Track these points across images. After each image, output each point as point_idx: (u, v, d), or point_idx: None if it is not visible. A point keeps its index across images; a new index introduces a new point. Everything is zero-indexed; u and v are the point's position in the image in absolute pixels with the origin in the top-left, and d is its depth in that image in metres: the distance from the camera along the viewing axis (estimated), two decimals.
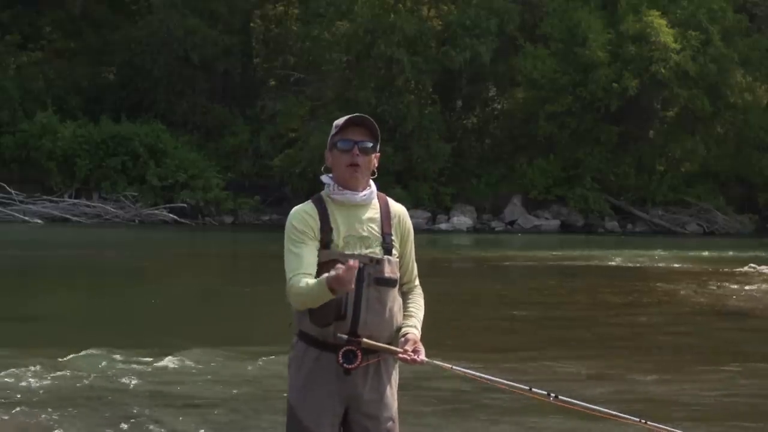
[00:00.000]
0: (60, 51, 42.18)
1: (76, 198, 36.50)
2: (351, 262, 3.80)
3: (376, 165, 4.20)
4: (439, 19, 41.22)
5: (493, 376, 4.53)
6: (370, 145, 4.13)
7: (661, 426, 4.62)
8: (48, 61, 41.05)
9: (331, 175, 4.19)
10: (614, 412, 4.67)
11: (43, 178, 36.46)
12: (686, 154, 41.35)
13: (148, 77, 39.65)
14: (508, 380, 4.50)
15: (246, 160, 38.79)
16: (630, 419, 4.60)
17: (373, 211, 4.17)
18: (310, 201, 4.15)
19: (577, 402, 4.55)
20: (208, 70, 41.00)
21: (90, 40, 42.23)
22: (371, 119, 4.16)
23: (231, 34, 41.16)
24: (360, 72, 39.91)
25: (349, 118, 4.15)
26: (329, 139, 4.18)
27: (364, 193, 4.15)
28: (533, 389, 4.39)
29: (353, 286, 3.87)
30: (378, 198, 4.22)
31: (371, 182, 4.20)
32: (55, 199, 35.97)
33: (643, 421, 4.57)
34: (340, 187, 4.14)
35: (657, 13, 38.45)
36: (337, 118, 4.25)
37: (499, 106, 44.18)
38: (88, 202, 36.36)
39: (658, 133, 42.48)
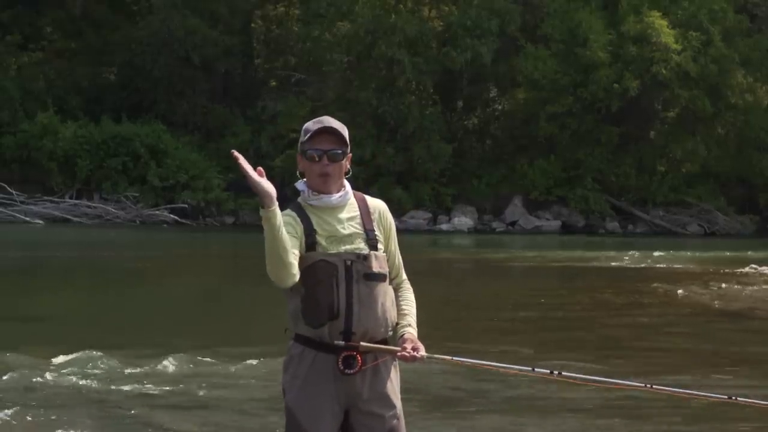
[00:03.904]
0: (60, 51, 42.19)
1: (77, 198, 36.51)
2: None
3: (348, 166, 4.22)
4: (440, 20, 41.24)
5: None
6: (340, 152, 4.15)
7: (666, 388, 4.65)
8: (48, 62, 41.06)
9: (305, 180, 4.21)
10: (618, 381, 4.70)
11: (44, 178, 36.47)
12: (687, 154, 41.38)
13: (149, 77, 39.66)
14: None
15: (247, 160, 38.77)
16: (635, 386, 4.66)
17: (352, 210, 4.20)
18: (288, 208, 4.14)
19: (580, 376, 4.56)
20: (208, 70, 41.02)
21: (90, 40, 42.24)
22: (339, 126, 4.16)
23: (232, 35, 41.18)
24: (361, 72, 39.93)
25: (319, 127, 4.15)
26: (299, 143, 4.21)
27: (339, 194, 4.18)
28: (536, 369, 4.40)
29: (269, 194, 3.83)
30: (354, 196, 4.25)
31: (345, 183, 4.23)
32: (56, 199, 35.98)
33: (649, 385, 4.58)
34: (314, 192, 4.17)
35: (658, 14, 38.48)
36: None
37: (499, 107, 44.19)
38: (89, 203, 36.37)
39: (658, 134, 42.50)
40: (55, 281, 18.64)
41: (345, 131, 4.17)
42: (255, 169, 3.87)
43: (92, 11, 43.34)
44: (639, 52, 38.01)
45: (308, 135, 4.16)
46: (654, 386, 4.60)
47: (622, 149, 40.17)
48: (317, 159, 4.13)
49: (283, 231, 3.89)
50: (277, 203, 3.87)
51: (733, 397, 4.70)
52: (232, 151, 3.91)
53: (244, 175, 3.84)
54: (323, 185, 4.15)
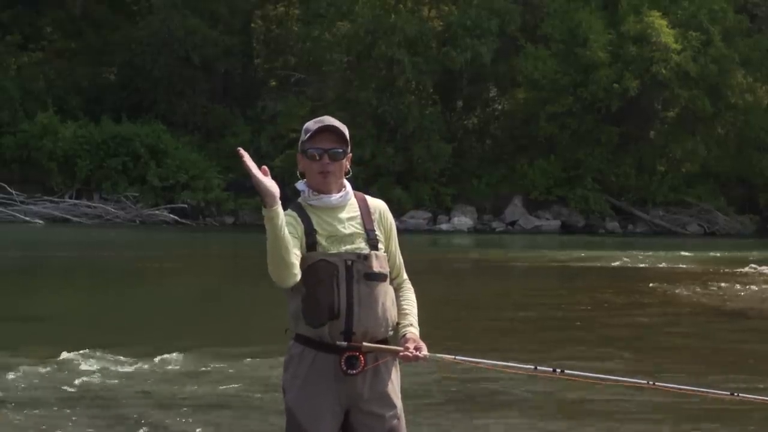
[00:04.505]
0: (60, 51, 42.21)
1: (76, 198, 36.51)
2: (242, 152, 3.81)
3: (348, 166, 4.22)
4: (440, 20, 41.25)
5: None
6: (341, 150, 4.15)
7: (667, 385, 4.66)
8: (48, 62, 41.07)
9: (305, 180, 4.21)
10: (620, 378, 4.70)
11: (44, 178, 36.47)
12: (687, 154, 41.37)
13: (149, 77, 39.66)
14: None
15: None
16: (637, 383, 4.70)
17: (352, 210, 4.20)
18: (288, 209, 4.14)
19: (583, 373, 4.57)
20: (208, 70, 41.02)
21: (90, 40, 42.25)
22: (340, 125, 4.16)
23: (231, 35, 41.18)
24: (361, 72, 39.93)
25: (320, 126, 4.15)
26: (299, 143, 4.20)
27: (339, 194, 4.18)
28: (538, 367, 4.41)
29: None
30: (355, 196, 4.25)
31: (346, 183, 4.23)
32: (55, 199, 35.98)
33: (651, 383, 4.59)
34: (314, 192, 4.17)
35: (658, 14, 38.48)
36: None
37: (499, 107, 44.20)
38: (89, 203, 36.37)
39: (658, 134, 42.50)
40: (55, 281, 18.63)
41: (345, 130, 4.17)
42: (259, 167, 3.86)
43: (92, 11, 43.34)
44: (639, 52, 38.01)
45: (309, 134, 4.16)
46: (656, 383, 4.61)
47: (622, 149, 40.17)
48: (318, 157, 4.13)
49: (285, 231, 3.89)
50: (279, 203, 3.86)
51: (735, 393, 4.72)
52: (238, 148, 3.90)
53: (248, 173, 3.83)
54: (324, 184, 4.15)
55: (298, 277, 3.99)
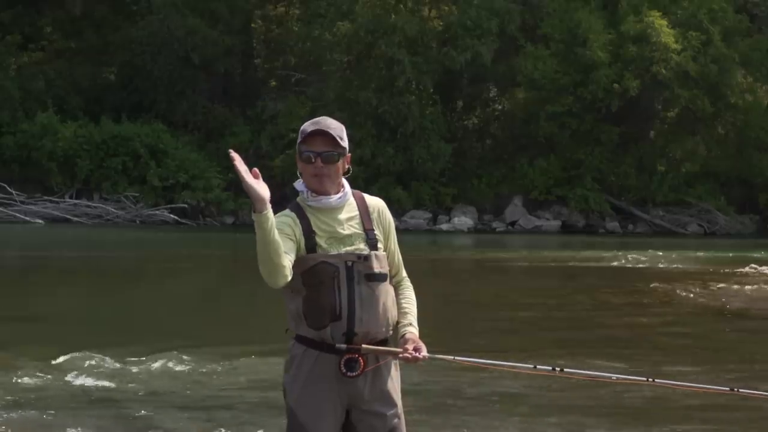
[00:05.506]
0: (60, 51, 42.20)
1: (76, 198, 36.51)
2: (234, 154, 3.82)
3: (348, 166, 4.21)
4: (440, 20, 41.23)
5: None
6: (334, 153, 4.13)
7: (667, 382, 4.68)
8: (48, 62, 41.06)
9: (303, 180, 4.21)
10: (619, 376, 4.70)
11: (44, 178, 36.47)
12: (687, 154, 41.39)
13: (149, 77, 39.66)
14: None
15: (246, 160, 38.69)
16: (637, 380, 4.70)
17: (351, 210, 4.19)
18: (287, 209, 4.15)
19: (582, 371, 4.58)
20: (208, 70, 41.00)
21: (90, 40, 42.24)
22: (334, 127, 4.14)
23: (232, 35, 41.18)
24: (361, 72, 39.92)
25: (312, 130, 4.14)
26: (297, 144, 4.19)
27: (338, 195, 4.18)
28: (538, 366, 4.41)
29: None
30: (354, 196, 4.24)
31: (344, 183, 4.22)
32: (55, 199, 35.98)
33: (650, 379, 4.60)
34: (313, 194, 4.16)
35: (658, 14, 38.48)
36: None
37: (499, 107, 44.19)
38: (89, 203, 36.37)
39: (658, 134, 42.51)
40: (55, 281, 18.62)
41: (340, 131, 4.14)
42: (251, 170, 3.86)
43: (92, 11, 43.31)
44: (639, 51, 38.01)
45: (303, 136, 4.16)
46: (655, 380, 4.62)
47: (622, 149, 40.18)
48: (312, 160, 4.13)
49: (275, 233, 3.88)
50: (269, 207, 3.85)
51: (735, 389, 4.72)
52: (230, 150, 3.91)
53: (239, 177, 3.83)
54: (319, 186, 4.15)
55: (289, 278, 3.98)
